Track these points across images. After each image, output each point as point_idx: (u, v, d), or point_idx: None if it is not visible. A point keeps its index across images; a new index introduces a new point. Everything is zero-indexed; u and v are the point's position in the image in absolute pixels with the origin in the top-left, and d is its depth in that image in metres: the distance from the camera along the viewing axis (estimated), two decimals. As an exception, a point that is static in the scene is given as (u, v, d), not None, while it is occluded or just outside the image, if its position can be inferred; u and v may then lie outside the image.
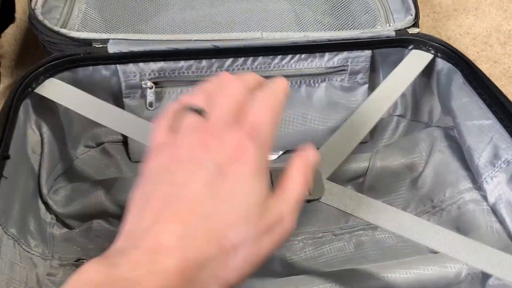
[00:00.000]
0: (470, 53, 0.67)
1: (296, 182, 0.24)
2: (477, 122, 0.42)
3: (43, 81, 0.41)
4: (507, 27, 0.72)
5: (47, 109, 0.42)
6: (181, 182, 0.21)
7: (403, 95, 0.52)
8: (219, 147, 0.22)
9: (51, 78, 0.41)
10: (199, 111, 0.24)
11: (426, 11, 0.75)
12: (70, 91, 0.41)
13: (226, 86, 0.25)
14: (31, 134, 0.41)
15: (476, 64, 0.65)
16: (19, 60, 0.61)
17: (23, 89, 0.39)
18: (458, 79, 0.45)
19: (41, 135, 0.42)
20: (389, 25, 0.52)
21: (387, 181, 0.47)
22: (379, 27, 0.52)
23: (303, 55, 0.48)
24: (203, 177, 0.21)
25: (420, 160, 0.46)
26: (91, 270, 0.18)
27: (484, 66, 0.65)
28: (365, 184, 0.47)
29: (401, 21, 0.51)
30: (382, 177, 0.47)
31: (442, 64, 0.47)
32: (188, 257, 0.19)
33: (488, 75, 0.63)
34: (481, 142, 0.41)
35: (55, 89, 0.40)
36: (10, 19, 0.53)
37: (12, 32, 0.62)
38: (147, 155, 0.23)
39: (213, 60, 0.46)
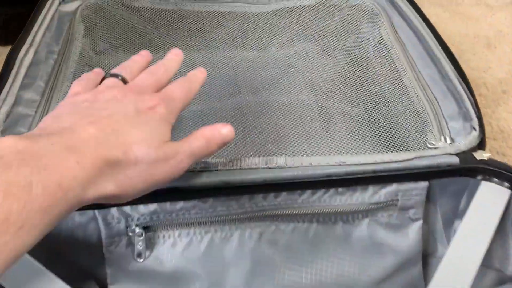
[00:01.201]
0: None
1: (198, 140, 0.28)
2: None
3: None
4: None
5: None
6: (100, 107, 0.26)
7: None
8: (137, 98, 0.27)
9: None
10: (117, 76, 0.30)
11: (470, 93, 0.64)
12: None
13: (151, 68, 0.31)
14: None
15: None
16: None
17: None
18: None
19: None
20: (444, 139, 0.41)
21: None
22: (433, 141, 0.41)
23: (340, 189, 0.37)
24: (121, 109, 0.26)
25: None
26: (10, 141, 0.21)
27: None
28: None
29: (461, 136, 0.40)
30: None
31: (522, 203, 0.36)
32: (99, 153, 0.23)
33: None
34: None
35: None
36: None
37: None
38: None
39: (223, 198, 0.35)
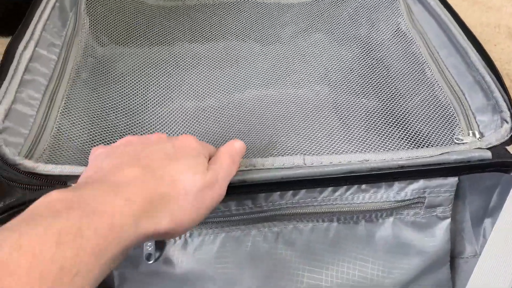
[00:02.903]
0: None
1: (226, 159, 0.28)
2: None
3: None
4: None
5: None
6: (139, 150, 0.27)
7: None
8: (172, 139, 0.28)
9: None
10: None
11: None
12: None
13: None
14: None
15: None
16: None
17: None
18: None
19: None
20: (472, 134, 0.38)
21: None
22: (461, 136, 0.38)
23: (363, 186, 0.34)
24: (160, 149, 0.27)
25: None
26: (55, 193, 0.21)
27: None
28: None
29: (491, 130, 0.38)
30: None
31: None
32: (147, 188, 0.23)
33: None
34: None
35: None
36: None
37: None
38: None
39: (237, 196, 0.33)
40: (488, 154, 0.34)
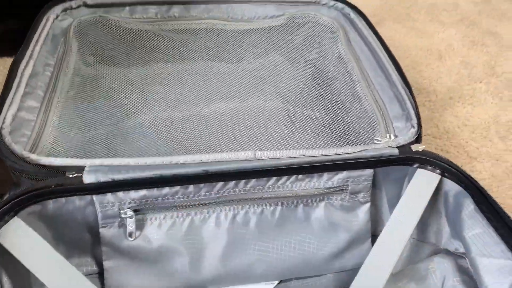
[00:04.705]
0: (471, 150, 0.64)
1: None
2: (495, 261, 0.38)
3: (5, 222, 0.36)
4: (505, 118, 0.70)
5: (7, 253, 0.37)
6: None
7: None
8: None
9: (15, 218, 0.36)
10: None
11: (422, 100, 0.73)
12: (30, 240, 0.35)
13: None
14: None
15: (478, 163, 0.62)
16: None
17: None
18: (469, 205, 0.41)
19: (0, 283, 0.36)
20: (389, 136, 0.49)
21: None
22: (379, 138, 0.49)
23: (300, 176, 0.44)
24: None
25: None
26: None
27: (486, 165, 0.62)
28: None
29: (403, 133, 0.48)
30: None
31: (449, 185, 0.44)
32: None
33: (491, 176, 0.60)
34: (501, 285, 0.37)
35: (15, 235, 0.35)
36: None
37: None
38: None
39: (202, 184, 0.42)
40: (395, 151, 0.44)
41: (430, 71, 0.80)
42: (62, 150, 0.44)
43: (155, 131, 0.52)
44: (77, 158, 0.41)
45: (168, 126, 0.52)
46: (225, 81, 0.61)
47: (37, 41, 0.52)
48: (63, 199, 0.39)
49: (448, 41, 0.88)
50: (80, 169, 0.39)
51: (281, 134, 0.51)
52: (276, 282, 0.45)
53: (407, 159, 0.45)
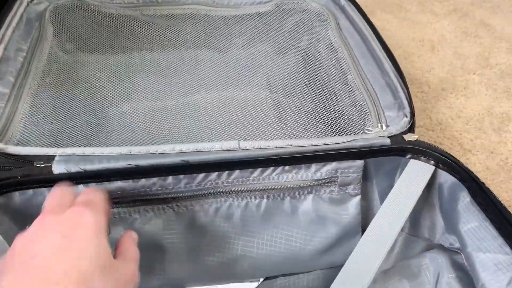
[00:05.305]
0: (465, 142, 0.62)
1: (131, 248, 0.32)
2: (491, 256, 0.36)
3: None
4: (499, 109, 0.68)
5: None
6: (34, 255, 0.25)
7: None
8: (61, 222, 0.28)
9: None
10: None
11: (414, 91, 0.70)
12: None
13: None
14: None
15: (472, 155, 0.60)
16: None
17: None
18: (464, 197, 0.39)
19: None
20: (381, 126, 0.46)
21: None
22: (370, 128, 0.46)
23: (286, 167, 0.41)
24: (49, 244, 0.26)
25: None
26: None
27: (481, 157, 0.60)
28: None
29: (395, 123, 0.46)
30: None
31: (444, 177, 0.41)
32: None
33: (486, 169, 0.58)
34: (498, 281, 0.35)
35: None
36: None
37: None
38: None
39: (182, 176, 0.39)
40: (387, 141, 0.42)
41: (422, 62, 0.78)
42: (32, 140, 0.41)
43: (136, 121, 0.49)
44: (47, 147, 0.38)
45: (150, 116, 0.50)
46: (211, 70, 0.58)
47: (8, 25, 0.49)
48: (30, 191, 0.36)
49: (440, 32, 0.86)
50: (50, 158, 0.36)
51: (268, 124, 0.48)
52: (261, 279, 0.43)
53: (399, 149, 0.42)
